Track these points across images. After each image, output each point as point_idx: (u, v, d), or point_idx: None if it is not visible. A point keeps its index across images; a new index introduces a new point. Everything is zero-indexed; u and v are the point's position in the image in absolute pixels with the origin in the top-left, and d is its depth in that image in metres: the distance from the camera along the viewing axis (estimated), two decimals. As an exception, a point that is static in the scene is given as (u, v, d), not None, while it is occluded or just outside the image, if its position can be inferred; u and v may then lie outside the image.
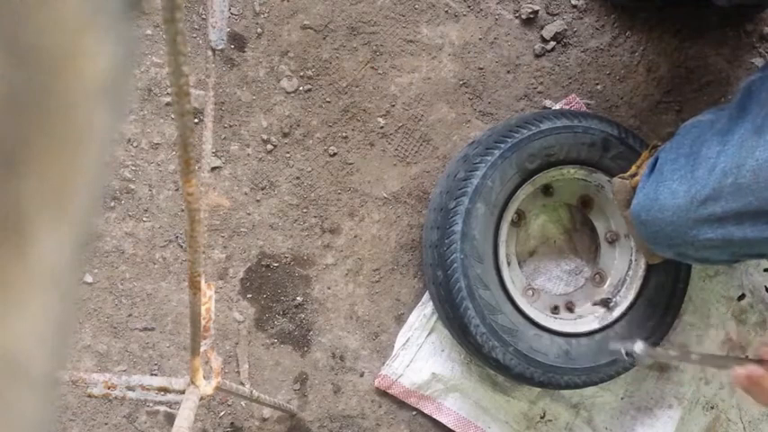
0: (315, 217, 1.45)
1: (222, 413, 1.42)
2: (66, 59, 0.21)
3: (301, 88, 1.44)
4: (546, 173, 1.31)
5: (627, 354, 1.11)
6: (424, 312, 1.44)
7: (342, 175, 1.45)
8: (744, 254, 1.05)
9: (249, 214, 1.43)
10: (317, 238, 1.45)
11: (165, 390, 0.85)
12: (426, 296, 1.44)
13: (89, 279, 1.39)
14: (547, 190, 1.39)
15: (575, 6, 1.51)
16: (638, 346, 1.09)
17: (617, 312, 1.36)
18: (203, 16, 1.43)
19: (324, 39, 1.45)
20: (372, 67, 1.46)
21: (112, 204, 1.39)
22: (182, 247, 1.41)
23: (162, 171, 1.41)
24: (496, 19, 1.49)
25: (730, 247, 1.03)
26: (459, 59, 1.48)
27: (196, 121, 1.37)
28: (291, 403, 1.43)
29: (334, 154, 1.45)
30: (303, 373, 1.44)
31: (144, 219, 1.40)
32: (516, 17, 1.49)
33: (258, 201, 1.43)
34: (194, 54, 1.41)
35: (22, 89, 0.20)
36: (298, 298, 1.44)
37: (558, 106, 1.47)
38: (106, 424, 1.38)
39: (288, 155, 1.44)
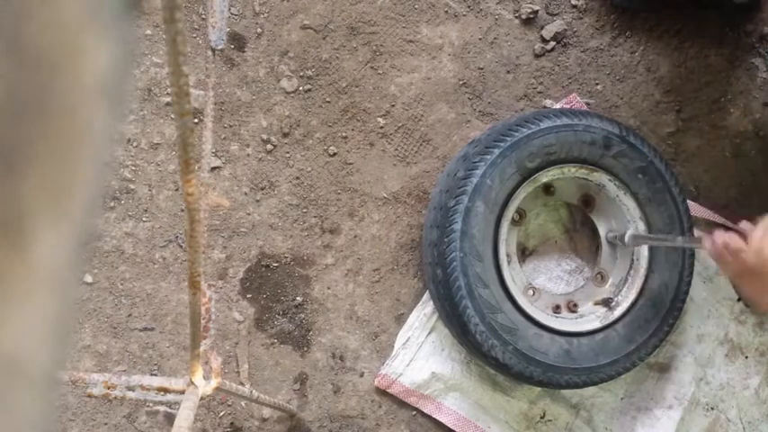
0: (315, 217, 1.45)
1: (222, 413, 1.42)
2: (66, 59, 0.21)
3: (301, 88, 1.44)
4: (546, 171, 1.31)
5: (618, 238, 1.36)
6: (424, 312, 1.44)
7: (342, 175, 1.45)
8: None
9: (249, 214, 1.43)
10: (317, 238, 1.45)
11: (164, 390, 0.85)
12: (426, 295, 1.44)
13: (89, 279, 1.39)
14: (547, 189, 1.39)
15: (575, 6, 1.51)
16: (628, 234, 1.33)
17: (618, 312, 1.36)
18: (203, 16, 1.43)
19: (324, 39, 1.45)
20: (372, 67, 1.46)
21: (112, 204, 1.39)
22: (182, 247, 1.41)
23: (162, 171, 1.41)
24: (496, 19, 1.49)
25: None
26: (459, 59, 1.48)
27: (196, 121, 1.37)
28: (291, 403, 1.43)
29: (334, 154, 1.45)
30: (303, 373, 1.44)
31: (144, 219, 1.40)
32: (516, 17, 1.49)
33: (258, 201, 1.43)
34: (194, 54, 1.41)
35: (22, 89, 0.20)
36: (298, 298, 1.44)
37: (558, 106, 1.47)
38: (106, 424, 1.38)
39: (288, 155, 1.44)
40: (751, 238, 1.00)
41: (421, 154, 1.47)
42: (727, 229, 1.04)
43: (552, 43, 1.49)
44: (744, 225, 1.05)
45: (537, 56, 1.49)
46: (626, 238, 1.33)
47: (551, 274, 1.48)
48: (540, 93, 1.49)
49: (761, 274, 0.99)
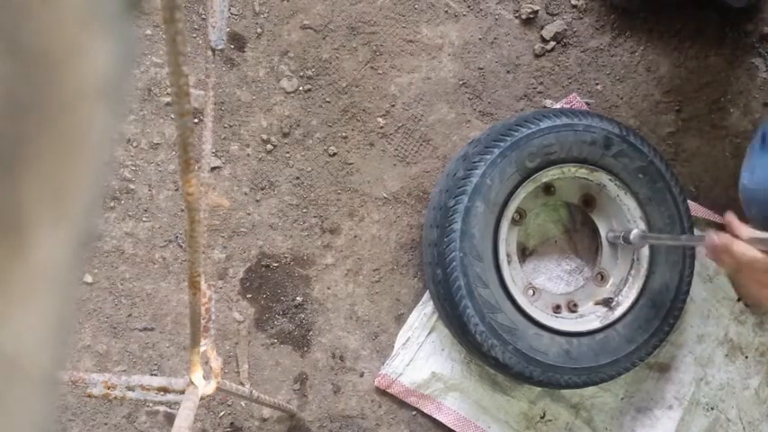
0: (315, 217, 1.45)
1: (222, 413, 1.42)
2: (66, 59, 0.21)
3: (301, 88, 1.44)
4: (546, 171, 1.31)
5: (623, 238, 1.32)
6: (424, 311, 1.44)
7: (342, 175, 1.45)
8: None
9: (249, 214, 1.43)
10: (317, 238, 1.45)
11: (164, 390, 0.85)
12: (427, 295, 1.44)
13: (89, 279, 1.39)
14: (548, 189, 1.39)
15: (575, 6, 1.51)
16: (634, 233, 1.29)
17: (619, 312, 1.36)
18: (203, 16, 1.43)
19: (324, 39, 1.45)
20: (372, 67, 1.46)
21: (112, 204, 1.39)
22: (182, 247, 1.41)
23: (162, 171, 1.41)
24: (496, 19, 1.49)
25: None
26: (459, 59, 1.48)
27: (196, 121, 1.37)
28: (291, 403, 1.43)
29: (334, 154, 1.45)
30: (303, 373, 1.44)
31: (144, 219, 1.40)
32: (516, 17, 1.49)
33: (258, 201, 1.43)
34: (194, 54, 1.41)
35: (22, 89, 0.20)
36: (298, 298, 1.44)
37: (558, 106, 1.47)
38: (106, 424, 1.38)
39: (288, 155, 1.44)
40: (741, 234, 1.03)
41: (421, 154, 1.47)
42: (725, 229, 1.05)
43: (552, 43, 1.49)
44: (729, 216, 1.07)
45: (537, 56, 1.49)
46: (631, 237, 1.31)
47: (551, 274, 1.48)
48: (540, 93, 1.49)
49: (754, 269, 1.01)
